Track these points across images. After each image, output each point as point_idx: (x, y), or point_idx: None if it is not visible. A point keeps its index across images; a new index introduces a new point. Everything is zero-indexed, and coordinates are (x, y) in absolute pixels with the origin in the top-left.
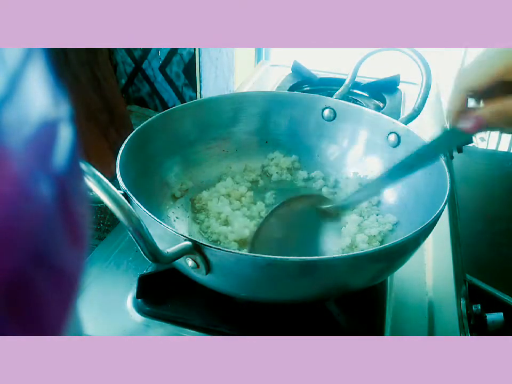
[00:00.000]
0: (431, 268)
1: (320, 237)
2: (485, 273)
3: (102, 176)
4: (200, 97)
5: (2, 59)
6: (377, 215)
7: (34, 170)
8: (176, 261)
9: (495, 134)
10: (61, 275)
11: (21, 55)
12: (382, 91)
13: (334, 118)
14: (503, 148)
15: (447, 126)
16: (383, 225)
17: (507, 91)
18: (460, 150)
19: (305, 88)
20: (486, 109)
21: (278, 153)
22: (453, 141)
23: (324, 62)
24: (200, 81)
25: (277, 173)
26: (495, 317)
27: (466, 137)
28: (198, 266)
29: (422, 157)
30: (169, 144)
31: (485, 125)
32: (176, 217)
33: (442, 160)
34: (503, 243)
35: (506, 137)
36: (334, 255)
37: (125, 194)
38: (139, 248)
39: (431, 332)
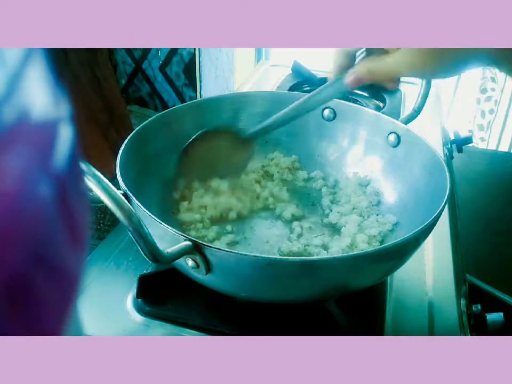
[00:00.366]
0: (431, 268)
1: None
2: (485, 273)
3: (102, 176)
4: (200, 97)
5: (2, 59)
6: (377, 215)
7: (34, 170)
8: (176, 261)
9: (495, 134)
10: (61, 275)
11: (21, 55)
12: (382, 91)
13: (334, 118)
14: (503, 148)
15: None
16: (383, 225)
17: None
18: (460, 150)
19: (305, 88)
20: (361, 66)
21: (278, 153)
22: (337, 91)
23: (324, 62)
24: (200, 81)
25: (277, 172)
26: (495, 317)
27: (349, 89)
28: (198, 266)
29: (310, 104)
30: (169, 144)
31: (361, 80)
32: None
33: (442, 160)
34: (503, 243)
35: (506, 137)
36: (334, 255)
37: (125, 194)
38: (139, 248)
39: (431, 332)
